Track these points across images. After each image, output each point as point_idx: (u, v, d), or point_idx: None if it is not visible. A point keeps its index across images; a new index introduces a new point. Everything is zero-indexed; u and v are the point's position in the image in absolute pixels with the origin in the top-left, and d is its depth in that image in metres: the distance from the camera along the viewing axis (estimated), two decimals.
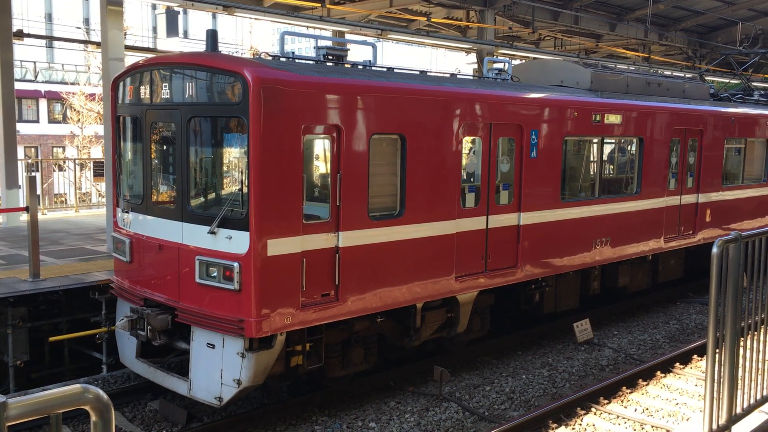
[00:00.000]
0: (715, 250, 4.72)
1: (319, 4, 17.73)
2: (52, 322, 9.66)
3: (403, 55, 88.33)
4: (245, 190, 7.09)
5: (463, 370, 9.88)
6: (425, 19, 18.81)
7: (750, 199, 14.75)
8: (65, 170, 23.63)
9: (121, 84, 8.68)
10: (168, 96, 7.88)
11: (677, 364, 9.94)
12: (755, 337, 5.31)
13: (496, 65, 10.77)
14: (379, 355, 8.94)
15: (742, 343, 5.16)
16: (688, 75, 17.07)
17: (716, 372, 4.92)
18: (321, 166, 7.87)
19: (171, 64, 8.08)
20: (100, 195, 21.74)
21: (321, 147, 7.79)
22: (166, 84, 7.90)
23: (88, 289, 9.60)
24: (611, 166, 12.00)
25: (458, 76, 9.86)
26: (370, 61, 8.90)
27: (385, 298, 8.24)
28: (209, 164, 7.99)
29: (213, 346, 7.43)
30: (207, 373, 7.49)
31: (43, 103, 39.87)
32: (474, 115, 9.09)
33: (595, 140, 11.26)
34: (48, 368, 9.79)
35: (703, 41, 25.43)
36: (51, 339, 9.44)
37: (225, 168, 7.82)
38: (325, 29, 21.21)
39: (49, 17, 52.12)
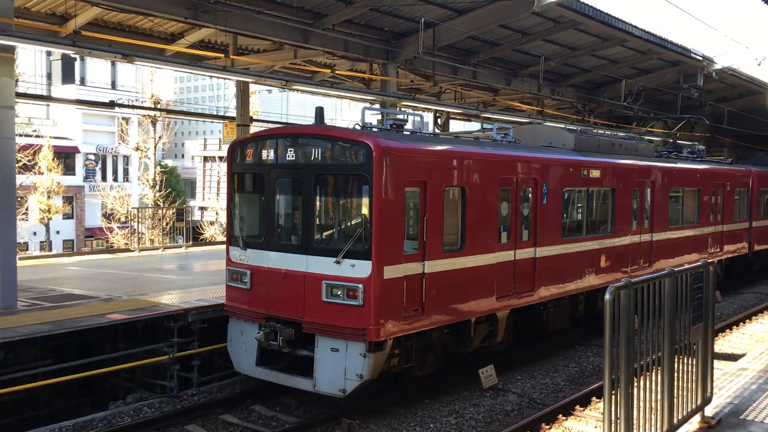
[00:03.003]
0: (607, 296, 4.96)
1: (223, 55, 17.70)
2: None
3: (308, 101, 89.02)
4: (367, 229, 9.29)
5: (371, 421, 9.80)
6: (330, 71, 19.11)
7: (688, 237, 17.75)
8: None
9: (239, 148, 10.88)
10: (294, 158, 10.09)
11: (577, 407, 10.23)
12: (647, 378, 5.57)
13: (499, 128, 13.28)
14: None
15: (636, 384, 5.39)
16: (637, 136, 20.49)
17: (613, 413, 5.11)
18: (412, 211, 9.94)
19: (296, 134, 10.61)
20: None
21: (413, 197, 9.89)
22: (292, 149, 10.12)
23: None
24: (594, 210, 14.48)
25: (494, 140, 12.54)
26: (419, 127, 11.57)
27: (452, 314, 10.49)
28: (333, 210, 10.26)
29: (337, 350, 9.46)
30: (331, 371, 9.46)
31: None
32: (507, 172, 11.66)
33: (583, 190, 13.80)
34: None
35: (591, 96, 27.04)
36: None
37: (348, 212, 10.10)
38: (229, 79, 21.15)
39: None
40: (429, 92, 25.54)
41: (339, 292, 9.43)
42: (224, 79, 20.37)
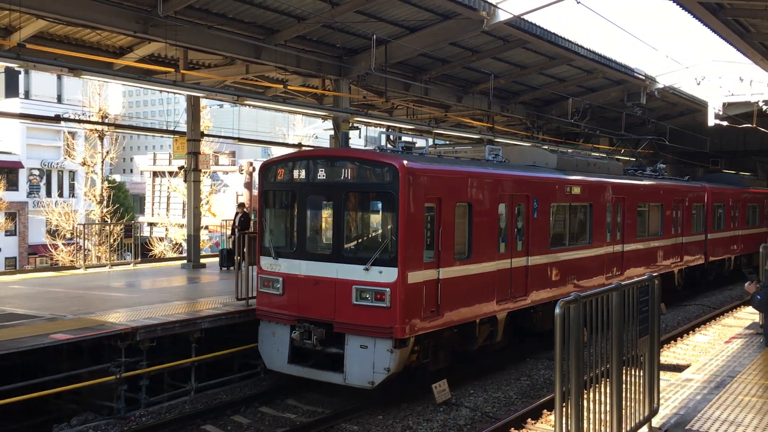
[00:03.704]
0: (557, 310, 5.03)
1: (173, 69, 17.48)
2: None
3: (261, 116, 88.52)
4: (393, 239, 10.55)
5: None
6: (282, 86, 19.03)
7: (653, 248, 19.46)
8: None
9: (270, 169, 12.12)
10: (324, 177, 11.35)
11: (529, 420, 10.33)
12: (597, 390, 5.66)
13: (491, 149, 14.45)
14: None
15: (586, 396, 5.47)
16: (604, 155, 22.48)
17: (564, 425, 5.17)
18: (429, 224, 11.12)
19: (327, 156, 11.92)
20: None
21: (430, 211, 11.08)
22: (323, 169, 11.38)
23: None
24: (576, 224, 15.75)
25: (493, 161, 13.78)
26: (424, 148, 13.06)
27: (461, 315, 11.73)
28: (361, 223, 11.64)
29: (366, 347, 10.58)
30: (361, 366, 10.58)
31: None
32: (505, 189, 12.98)
33: (567, 205, 15.15)
34: None
35: (539, 113, 27.57)
36: None
37: (375, 225, 11.43)
38: (180, 94, 20.89)
39: None
40: (381, 108, 25.69)
41: (368, 296, 10.62)
42: (175, 93, 20.06)
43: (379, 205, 11.20)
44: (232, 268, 18.68)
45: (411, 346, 10.69)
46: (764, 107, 24.08)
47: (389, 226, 10.79)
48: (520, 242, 13.34)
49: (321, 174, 11.41)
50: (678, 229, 21.09)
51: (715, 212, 24.44)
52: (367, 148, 12.29)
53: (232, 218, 19.69)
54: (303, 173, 11.61)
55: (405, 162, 10.70)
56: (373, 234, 11.39)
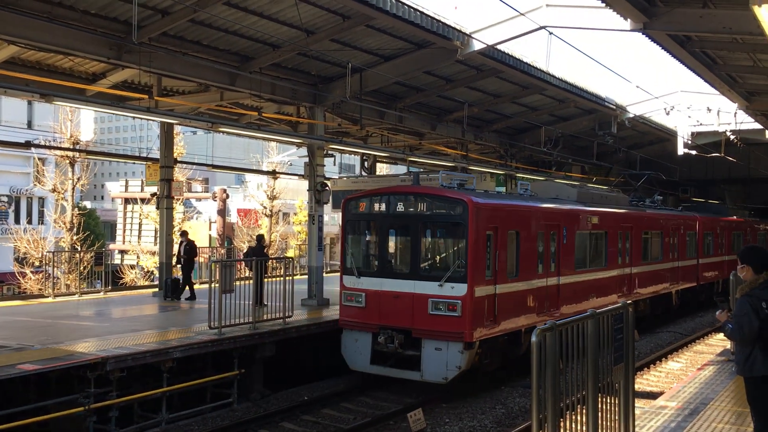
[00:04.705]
0: (534, 338, 5.05)
1: (146, 96, 17.40)
2: None
3: (234, 143, 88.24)
4: (463, 261, 13.07)
5: None
6: (256, 113, 19.02)
7: (657, 270, 22.28)
8: None
9: (352, 203, 14.64)
10: (402, 209, 13.91)
11: None
12: (573, 418, 5.66)
13: (521, 185, 17.18)
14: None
15: (563, 423, 5.47)
16: (614, 189, 24.61)
17: None
18: (488, 248, 13.61)
19: (405, 192, 14.30)
20: None
21: (489, 238, 13.62)
22: (401, 203, 13.92)
23: None
24: (594, 248, 18.36)
25: (525, 195, 16.39)
26: (473, 187, 15.63)
27: (512, 324, 14.17)
28: (436, 247, 14.34)
29: (440, 349, 12.93)
30: (436, 365, 12.93)
31: None
32: (542, 218, 15.65)
33: (587, 232, 17.78)
34: None
35: (513, 142, 27.87)
36: None
37: (448, 250, 13.94)
38: (153, 120, 20.79)
39: None
40: (356, 135, 25.78)
41: (441, 307, 13.02)
42: (148, 120, 19.99)
43: (451, 233, 13.74)
44: (176, 299, 18.42)
45: (476, 349, 12.93)
46: (731, 137, 24.65)
47: (459, 250, 13.33)
48: (552, 264, 15.80)
49: (399, 207, 13.93)
50: (675, 254, 23.67)
51: (705, 239, 27.09)
52: (432, 185, 15.96)
53: (178, 247, 19.20)
54: (383, 206, 14.13)
55: (473, 198, 13.44)
56: (446, 256, 13.92)
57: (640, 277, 20.67)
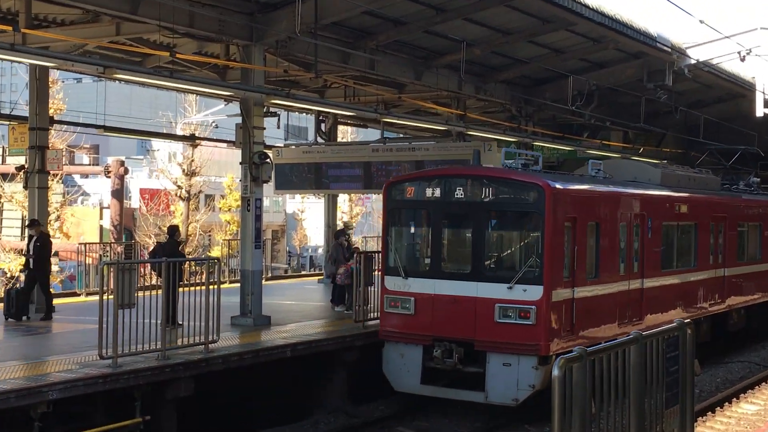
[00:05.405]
0: (555, 372, 5.10)
1: (10, 27, 17.16)
2: None
3: (137, 94, 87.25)
4: (538, 259, 14.28)
5: None
6: (168, 54, 18.85)
7: (754, 273, 23.79)
8: None
9: (399, 186, 16.27)
10: (462, 196, 15.19)
11: None
12: None
13: (593, 164, 18.59)
14: None
15: None
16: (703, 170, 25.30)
17: None
18: (566, 243, 14.89)
19: (466, 175, 15.80)
20: None
21: (567, 231, 14.90)
22: (461, 188, 15.18)
23: None
24: (682, 244, 19.93)
25: (590, 176, 17.80)
26: (539, 167, 16.41)
27: (592, 335, 15.14)
28: (505, 241, 15.61)
29: (509, 365, 14.02)
30: (504, 384, 14.05)
31: None
32: (625, 207, 17.04)
33: (675, 224, 19.30)
34: None
35: (528, 97, 27.90)
36: None
37: (520, 244, 15.20)
38: (20, 62, 20.53)
39: None
40: (309, 86, 25.72)
41: (511, 314, 14.13)
42: (12, 61, 19.66)
43: (523, 225, 15.10)
44: (25, 318, 18.16)
45: (551, 364, 12.80)
46: None
47: (533, 245, 14.58)
48: (635, 263, 17.10)
49: (458, 193, 15.12)
50: None
51: None
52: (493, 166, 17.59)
53: (25, 244, 18.90)
54: (438, 191, 15.33)
55: (550, 182, 14.56)
56: (516, 253, 15.19)
57: (736, 281, 22.30)
